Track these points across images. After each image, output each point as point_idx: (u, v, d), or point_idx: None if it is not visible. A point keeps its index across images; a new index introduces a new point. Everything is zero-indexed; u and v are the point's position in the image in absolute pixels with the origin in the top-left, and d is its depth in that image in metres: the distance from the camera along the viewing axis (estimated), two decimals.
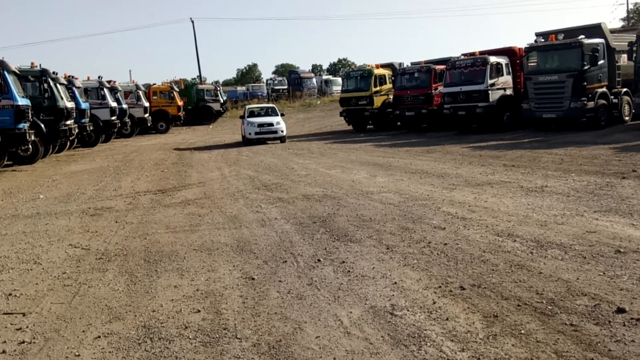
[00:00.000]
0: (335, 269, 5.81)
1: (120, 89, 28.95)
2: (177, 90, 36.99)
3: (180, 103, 36.13)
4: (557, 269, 5.30)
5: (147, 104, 32.26)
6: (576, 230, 6.62)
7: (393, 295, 4.95)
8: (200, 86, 44.05)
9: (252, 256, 6.50)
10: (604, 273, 5.09)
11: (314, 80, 56.18)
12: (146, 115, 31.94)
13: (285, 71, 77.85)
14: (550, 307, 4.39)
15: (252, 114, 23.34)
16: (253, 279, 5.67)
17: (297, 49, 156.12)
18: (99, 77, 26.73)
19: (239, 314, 4.78)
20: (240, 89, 60.71)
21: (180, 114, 36.06)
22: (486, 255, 5.90)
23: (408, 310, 4.58)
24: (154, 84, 37.54)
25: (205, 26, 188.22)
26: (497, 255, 5.87)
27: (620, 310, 4.22)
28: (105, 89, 25.95)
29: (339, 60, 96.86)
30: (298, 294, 5.16)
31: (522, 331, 4.02)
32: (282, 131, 22.48)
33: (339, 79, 48.54)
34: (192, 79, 67.11)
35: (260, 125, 22.27)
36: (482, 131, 20.97)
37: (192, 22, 57.12)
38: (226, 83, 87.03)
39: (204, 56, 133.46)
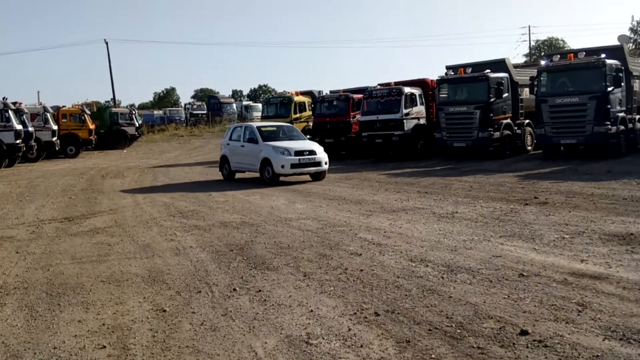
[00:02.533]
0: (252, 298, 5.71)
1: (26, 110, 27.41)
2: (89, 113, 35.48)
3: (91, 126, 34.66)
4: (465, 292, 5.50)
5: (55, 127, 30.71)
6: (483, 254, 6.91)
7: (309, 323, 4.92)
8: (114, 109, 42.59)
9: (165, 287, 6.27)
10: (508, 296, 5.33)
11: (234, 105, 55.95)
12: (54, 138, 30.37)
13: (205, 96, 76.99)
14: (459, 331, 4.53)
15: (266, 136, 16.36)
16: (164, 311, 5.46)
17: (217, 74, 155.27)
18: (3, 99, 25.17)
19: (148, 348, 4.56)
20: (157, 112, 59.32)
21: (91, 137, 34.56)
22: (400, 280, 6.02)
23: (323, 339, 4.57)
24: (64, 106, 35.85)
25: (121, 48, 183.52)
26: (410, 280, 6.01)
27: (524, 333, 4.42)
28: (10, 111, 24.47)
29: (260, 87, 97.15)
30: (212, 325, 5.01)
31: (433, 355, 4.11)
32: (325, 162, 15.80)
33: (259, 105, 48.62)
34: (106, 101, 64.85)
35: (299, 153, 15.25)
36: (398, 159, 21.63)
37: (107, 43, 55.30)
38: (143, 106, 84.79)
39: (119, 79, 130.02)
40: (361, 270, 6.49)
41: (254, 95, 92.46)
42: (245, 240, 8.37)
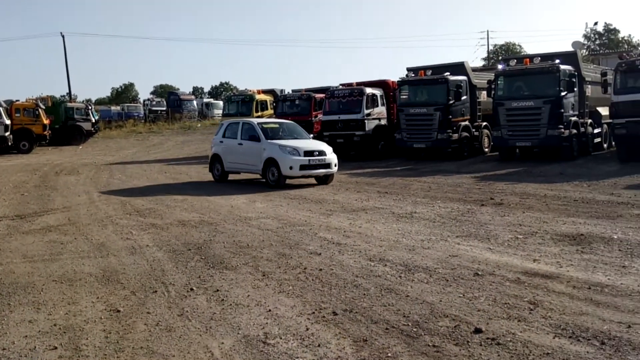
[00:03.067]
0: (209, 298, 5.64)
1: None
2: (43, 107, 34.36)
3: (46, 121, 33.57)
4: (422, 291, 5.57)
5: (8, 122, 29.65)
6: (440, 254, 7.03)
7: (267, 323, 4.89)
8: (69, 104, 41.27)
9: (119, 287, 6.13)
10: (463, 295, 5.43)
11: (195, 102, 55.12)
12: (7, 133, 29.33)
13: (164, 92, 75.70)
14: (415, 329, 4.59)
15: (269, 134, 14.81)
16: (119, 311, 5.33)
17: (177, 70, 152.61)
18: None
19: (101, 350, 4.45)
20: (115, 108, 57.88)
21: (45, 133, 33.47)
22: (359, 280, 6.06)
23: (281, 338, 4.55)
24: (17, 101, 34.64)
25: (78, 42, 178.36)
26: (368, 279, 6.05)
27: (478, 331, 4.50)
28: None
29: (221, 84, 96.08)
30: (167, 325, 4.92)
31: (389, 354, 4.15)
32: (335, 164, 14.43)
33: (221, 103, 48.15)
34: (62, 96, 63.02)
35: (308, 153, 13.84)
36: (359, 159, 21.76)
37: (63, 36, 53.65)
38: (100, 102, 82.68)
39: (76, 73, 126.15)
40: (320, 269, 6.49)
41: (215, 92, 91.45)
42: (204, 239, 8.27)
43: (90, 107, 41.99)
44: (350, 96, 21.67)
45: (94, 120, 40.22)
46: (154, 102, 55.62)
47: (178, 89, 77.45)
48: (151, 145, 35.53)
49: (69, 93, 54.62)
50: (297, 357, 4.19)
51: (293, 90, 27.40)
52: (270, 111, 26.61)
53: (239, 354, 4.29)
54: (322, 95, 23.60)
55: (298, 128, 16.01)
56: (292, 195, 12.82)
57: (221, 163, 15.78)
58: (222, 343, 4.51)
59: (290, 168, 13.73)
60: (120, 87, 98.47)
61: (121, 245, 8.09)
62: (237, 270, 6.61)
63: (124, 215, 10.62)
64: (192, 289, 5.93)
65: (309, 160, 13.80)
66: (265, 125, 15.25)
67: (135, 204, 11.94)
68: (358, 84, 22.59)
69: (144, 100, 60.16)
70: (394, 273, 6.25)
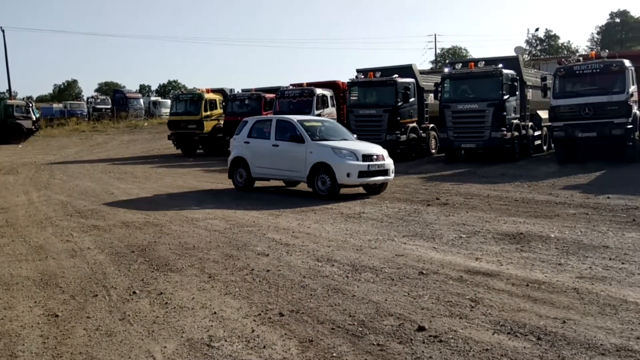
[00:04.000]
0: (152, 301, 5.52)
1: None
2: None
3: None
4: (368, 291, 5.63)
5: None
6: (387, 254, 7.12)
7: (212, 325, 4.83)
8: (9, 101, 39.55)
9: (58, 290, 5.92)
10: (408, 294, 5.52)
11: (141, 100, 53.83)
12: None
13: (110, 90, 73.59)
14: (360, 329, 4.63)
15: (313, 134, 12.48)
16: (57, 315, 5.15)
17: (123, 67, 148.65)
18: None
19: (38, 356, 4.29)
20: (57, 106, 55.88)
21: None
22: (306, 280, 6.06)
23: (226, 341, 4.50)
24: None
25: (19, 37, 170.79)
26: (316, 280, 6.06)
27: (421, 329, 4.59)
28: None
29: (169, 82, 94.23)
30: (108, 330, 4.78)
31: (334, 354, 4.17)
32: (392, 171, 12.36)
33: (168, 101, 47.19)
34: (1, 93, 60.25)
35: (367, 157, 11.79)
36: None
37: (2, 31, 51.33)
38: (41, 99, 79.61)
39: (16, 69, 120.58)
40: (268, 270, 6.46)
41: (163, 90, 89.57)
42: (148, 241, 8.08)
43: (31, 105, 40.38)
44: (301, 96, 21.68)
45: (34, 118, 38.70)
46: (99, 100, 54.00)
47: (124, 86, 75.25)
48: (95, 144, 34.50)
49: (9, 90, 52.12)
50: (242, 359, 4.16)
51: (243, 90, 27.14)
52: (219, 111, 26.27)
53: (182, 358, 4.22)
54: (272, 95, 23.52)
55: (340, 127, 14.00)
56: (241, 195, 12.68)
57: (247, 168, 13.22)
58: (165, 347, 4.42)
59: (348, 175, 11.53)
60: (63, 84, 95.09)
61: (61, 248, 7.81)
62: (182, 272, 6.49)
63: (64, 217, 10.26)
64: (134, 292, 5.79)
65: (368, 165, 11.70)
66: (307, 124, 12.84)
67: (76, 205, 11.56)
68: (308, 84, 22.65)
69: (88, 98, 58.33)
70: (341, 273, 6.29)
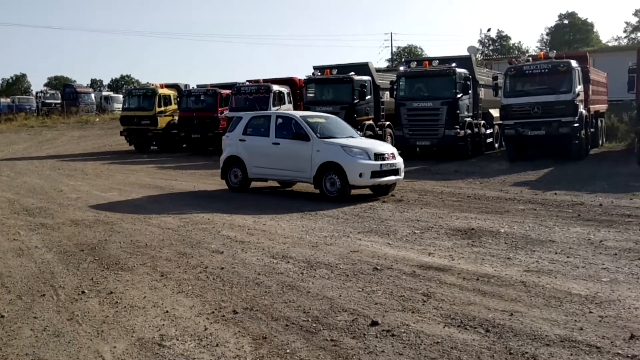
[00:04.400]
0: (102, 301, 5.38)
1: None
2: None
3: None
4: (323, 287, 5.65)
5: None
6: (342, 250, 7.16)
7: (163, 324, 4.75)
8: None
9: (4, 291, 5.71)
10: (362, 289, 5.56)
11: (93, 95, 52.33)
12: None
13: (60, 84, 71.26)
14: (314, 325, 4.64)
15: (319, 131, 11.62)
16: (2, 316, 4.97)
17: (74, 61, 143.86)
18: None
19: None
20: (5, 100, 53.72)
21: None
22: (261, 277, 6.03)
23: (178, 340, 4.43)
24: None
25: None
26: (271, 277, 6.04)
27: (374, 323, 4.64)
28: None
29: (122, 77, 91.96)
30: (55, 330, 4.64)
31: (288, 350, 4.17)
32: (402, 170, 11.64)
33: (121, 96, 46.07)
34: None
35: (379, 157, 11.02)
36: None
37: None
38: None
39: None
40: (222, 268, 6.40)
41: (116, 85, 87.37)
42: (99, 240, 7.88)
43: None
44: (257, 93, 21.56)
45: None
46: (48, 95, 52.20)
47: (75, 81, 73.14)
48: (44, 140, 33.34)
49: None
50: (194, 358, 4.11)
51: (198, 86, 26.75)
52: (174, 106, 25.83)
53: (132, 358, 4.13)
54: (228, 91, 23.29)
55: (343, 122, 13.09)
56: (197, 193, 12.51)
57: (242, 168, 12.37)
58: (115, 347, 4.32)
59: (360, 176, 10.73)
60: (11, 78, 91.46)
61: (7, 247, 7.54)
62: (134, 271, 6.36)
63: (11, 215, 9.90)
64: (83, 292, 5.63)
65: (381, 165, 10.94)
66: (310, 120, 11.96)
67: (24, 203, 11.17)
68: (265, 80, 22.55)
69: (37, 93, 56.29)
70: (296, 270, 6.29)
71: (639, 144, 15.28)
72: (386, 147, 11.59)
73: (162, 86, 26.48)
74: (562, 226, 8.22)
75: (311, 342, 4.30)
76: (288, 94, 22.28)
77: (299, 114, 12.45)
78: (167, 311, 5.07)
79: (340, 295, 5.38)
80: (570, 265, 6.21)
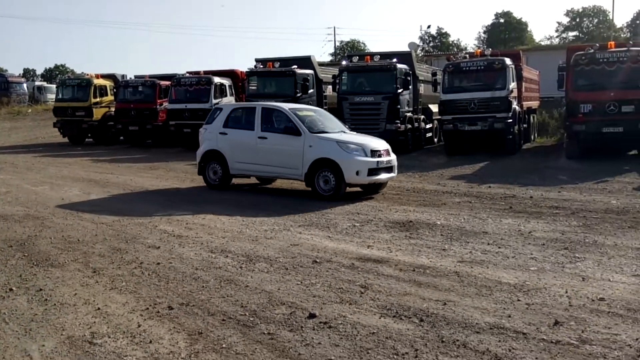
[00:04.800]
0: (30, 299, 5.16)
1: None
2: None
3: None
4: (262, 281, 5.63)
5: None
6: (282, 243, 7.16)
7: (94, 322, 4.60)
8: None
9: None
10: (301, 282, 5.58)
11: (25, 85, 49.87)
12: None
13: None
14: (252, 319, 4.62)
15: (309, 125, 10.92)
16: None
17: (5, 50, 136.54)
18: None
19: None
20: None
21: None
22: (198, 272, 5.95)
23: (109, 337, 4.31)
24: None
25: None
26: (208, 271, 5.97)
27: (312, 316, 4.66)
28: None
29: (56, 66, 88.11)
30: None
31: (224, 345, 4.13)
32: (396, 167, 11.22)
33: (54, 87, 44.15)
34: None
35: (375, 153, 10.48)
36: None
37: None
38: None
39: None
40: (158, 263, 6.26)
41: (49, 75, 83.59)
42: (28, 235, 7.54)
43: None
44: (198, 85, 21.18)
45: None
46: None
47: (6, 70, 69.39)
48: None
49: None
50: (126, 356, 4.00)
51: (136, 76, 25.97)
52: (110, 97, 24.99)
53: (61, 356, 3.99)
54: (167, 83, 22.74)
55: (332, 116, 12.45)
56: (133, 186, 12.18)
57: (223, 163, 11.53)
58: (43, 345, 4.16)
59: (357, 173, 10.16)
60: None
61: None
62: (65, 267, 6.13)
63: None
64: (11, 289, 5.39)
65: (377, 162, 10.38)
66: (300, 113, 11.21)
67: None
68: (206, 72, 22.14)
69: None
70: (235, 264, 6.24)
71: (568, 140, 16.02)
72: (380, 143, 10.95)
73: (97, 76, 25.56)
74: (494, 218, 8.52)
75: (248, 336, 4.28)
76: (230, 86, 21.99)
77: (287, 106, 11.64)
78: (98, 308, 4.92)
79: (278, 289, 5.38)
80: (501, 255, 6.45)
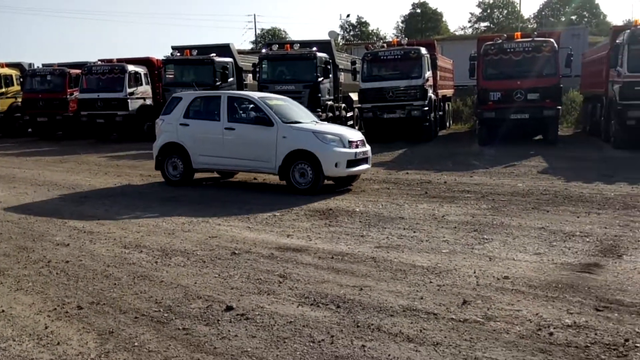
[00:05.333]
0: None
1: None
2: None
3: None
4: (178, 275, 5.51)
5: None
6: (200, 236, 7.03)
7: None
8: None
9: None
10: (219, 275, 5.51)
11: None
12: None
13: None
14: (166, 315, 4.51)
15: (281, 114, 10.27)
16: None
17: None
18: None
19: None
20: None
21: None
22: (110, 269, 5.73)
23: (14, 340, 4.08)
24: None
25: None
26: (121, 268, 5.76)
27: (229, 308, 4.62)
28: None
29: None
30: None
31: (136, 343, 4.01)
32: (370, 158, 10.74)
33: None
34: None
35: (352, 144, 9.94)
36: (122, 140, 20.61)
37: None
38: None
39: None
40: (67, 261, 5.98)
41: None
42: None
43: None
44: (111, 73, 20.38)
45: None
46: None
47: None
48: None
49: None
50: (33, 359, 3.80)
51: (44, 65, 24.54)
52: (17, 87, 23.53)
53: None
54: (78, 71, 21.70)
55: (301, 106, 11.83)
56: (41, 181, 11.53)
57: (185, 157, 10.75)
58: None
59: (336, 165, 9.64)
60: None
61: None
62: None
63: None
64: None
65: (355, 153, 9.86)
66: (269, 102, 10.52)
67: None
68: (119, 60, 21.30)
69: None
70: (150, 259, 6.06)
71: (479, 126, 16.77)
72: (355, 134, 10.53)
73: (2, 65, 23.96)
74: (411, 203, 8.78)
75: (162, 333, 4.18)
76: (145, 74, 21.29)
77: (256, 95, 11.00)
78: (3, 311, 4.64)
79: (195, 283, 5.28)
80: (416, 239, 6.67)
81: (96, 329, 4.26)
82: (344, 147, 9.73)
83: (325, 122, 11.55)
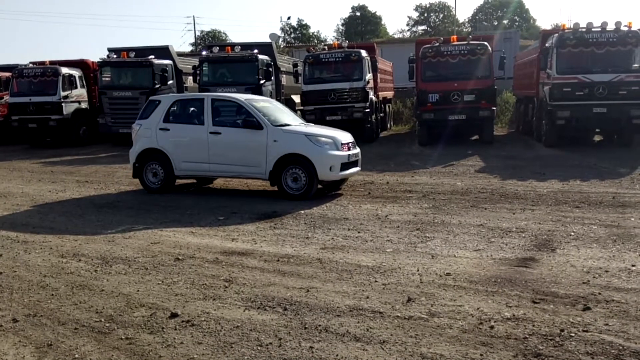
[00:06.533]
0: None
1: None
2: None
3: None
4: (119, 283, 5.35)
5: None
6: (142, 242, 6.86)
7: None
8: None
9: None
10: (162, 281, 5.39)
11: None
12: None
13: None
14: (108, 325, 4.37)
15: (269, 117, 9.78)
16: None
17: None
18: None
19: None
20: None
21: None
22: (47, 279, 5.50)
23: None
24: None
25: None
26: (58, 278, 5.55)
27: (174, 315, 4.52)
28: None
29: None
30: None
31: (77, 355, 3.87)
32: (360, 161, 10.40)
33: None
34: None
35: (344, 146, 9.62)
36: (56, 145, 19.83)
37: None
38: None
39: None
40: (0, 273, 5.69)
41: None
42: None
43: None
44: (43, 76, 19.55)
45: None
46: None
47: None
48: None
49: None
50: None
51: None
52: None
53: None
54: (8, 74, 20.70)
55: (286, 108, 11.47)
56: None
57: (166, 164, 10.16)
58: None
59: (331, 169, 9.25)
60: None
61: None
62: None
63: None
64: None
65: (348, 156, 9.55)
66: (256, 104, 9.99)
67: None
68: (52, 62, 20.46)
69: None
70: (89, 268, 5.86)
71: (419, 127, 17.16)
72: (346, 136, 10.06)
73: None
74: (355, 204, 8.88)
75: (103, 344, 4.04)
76: (80, 77, 20.57)
77: (242, 97, 10.38)
78: None
79: (138, 290, 5.15)
80: (361, 239, 6.75)
81: (33, 342, 4.08)
82: (337, 149, 9.42)
83: (313, 124, 11.37)
